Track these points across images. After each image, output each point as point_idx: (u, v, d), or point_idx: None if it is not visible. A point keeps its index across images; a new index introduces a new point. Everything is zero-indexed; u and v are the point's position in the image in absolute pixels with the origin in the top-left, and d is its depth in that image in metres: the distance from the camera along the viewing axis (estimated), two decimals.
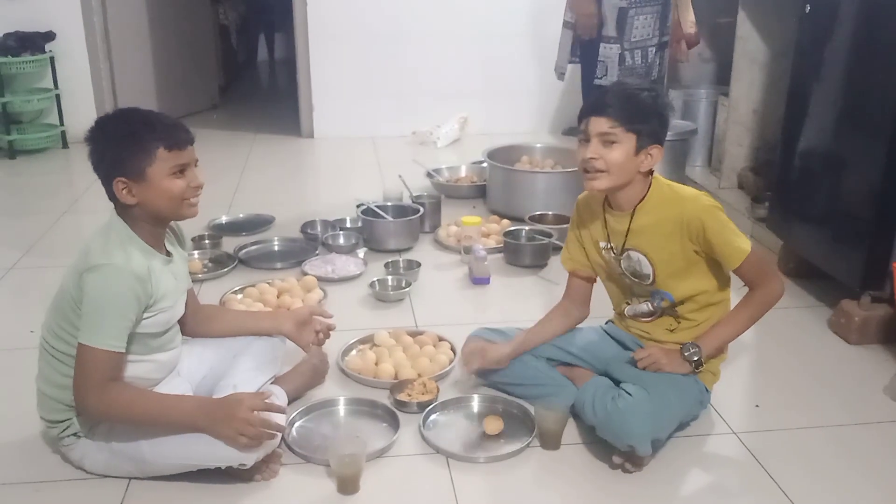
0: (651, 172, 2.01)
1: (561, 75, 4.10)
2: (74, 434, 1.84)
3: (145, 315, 1.78)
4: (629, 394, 1.89)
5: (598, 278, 2.21)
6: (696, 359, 1.99)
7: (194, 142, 1.83)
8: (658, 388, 1.93)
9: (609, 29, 3.61)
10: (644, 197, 2.00)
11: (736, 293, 2.10)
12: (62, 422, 1.84)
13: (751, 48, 3.70)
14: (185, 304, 2.00)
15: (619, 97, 1.94)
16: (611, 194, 2.03)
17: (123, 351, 1.74)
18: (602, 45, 3.66)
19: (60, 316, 1.80)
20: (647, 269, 2.03)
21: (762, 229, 3.30)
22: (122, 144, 1.75)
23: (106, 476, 1.87)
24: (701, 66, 4.60)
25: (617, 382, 2.03)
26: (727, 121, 3.89)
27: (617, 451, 1.89)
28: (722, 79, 4.31)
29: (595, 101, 1.97)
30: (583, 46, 3.80)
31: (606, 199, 2.06)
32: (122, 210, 1.81)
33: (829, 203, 2.75)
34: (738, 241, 1.95)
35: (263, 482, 1.86)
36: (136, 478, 1.87)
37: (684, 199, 1.97)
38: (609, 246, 2.08)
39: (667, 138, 3.81)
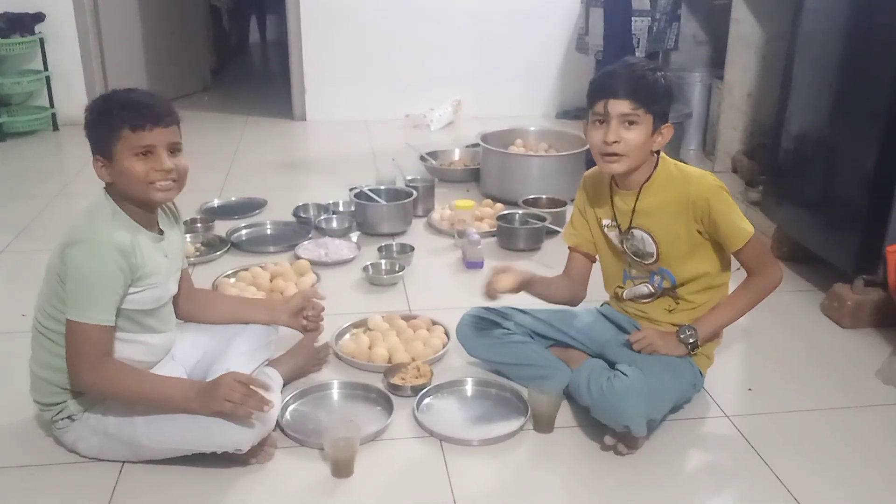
0: (658, 151, 2.01)
1: (598, 53, 4.05)
2: (68, 417, 1.84)
3: (132, 290, 1.76)
4: (625, 374, 1.89)
5: (595, 259, 2.21)
6: (691, 341, 1.99)
7: (172, 125, 1.78)
8: (653, 369, 1.94)
9: (642, 2, 3.61)
10: (650, 176, 2.00)
11: (734, 279, 2.09)
12: (56, 405, 1.84)
13: (746, 31, 3.69)
14: (179, 284, 1.99)
15: (636, 78, 1.91)
16: (618, 175, 2.02)
17: (113, 324, 1.73)
18: (634, 19, 3.66)
19: (50, 294, 1.79)
20: (651, 248, 2.03)
21: (755, 213, 3.30)
22: (96, 122, 1.78)
23: (99, 460, 1.87)
24: (695, 48, 4.58)
25: (612, 365, 2.03)
26: (721, 104, 3.88)
27: (610, 432, 1.90)
28: (717, 62, 4.29)
29: (610, 82, 1.92)
30: (611, 23, 3.76)
31: (613, 178, 2.06)
32: (109, 188, 1.82)
33: (822, 187, 2.76)
34: (742, 223, 1.95)
35: (258, 465, 1.86)
36: (129, 461, 1.86)
37: (690, 178, 1.97)
38: (614, 224, 2.08)
39: None
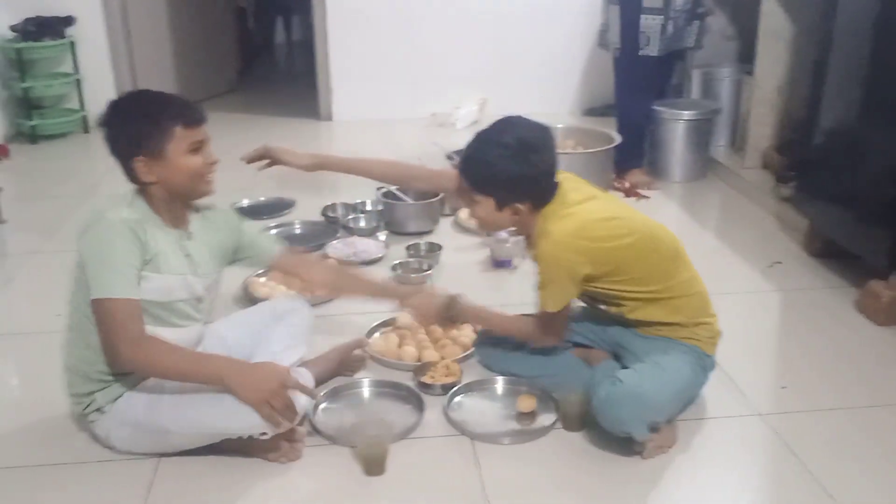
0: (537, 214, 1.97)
1: (616, 50, 4.03)
2: (97, 410, 1.86)
3: (143, 271, 1.78)
4: (620, 381, 1.88)
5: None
6: (451, 313, 2.11)
7: (207, 121, 1.87)
8: (658, 366, 1.92)
9: (655, 0, 3.57)
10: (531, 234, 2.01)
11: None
12: (86, 395, 1.86)
13: (775, 24, 3.64)
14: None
15: (468, 161, 1.95)
16: None
17: (138, 298, 1.75)
18: (643, 16, 3.62)
19: (77, 289, 1.83)
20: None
21: (787, 209, 3.27)
22: (140, 124, 1.79)
23: (135, 458, 1.89)
24: (724, 44, 4.53)
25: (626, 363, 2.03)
26: (751, 100, 3.84)
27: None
28: (746, 56, 4.24)
29: (461, 159, 1.98)
30: (623, 20, 3.74)
31: None
32: (141, 190, 1.85)
33: (856, 182, 2.71)
34: (545, 298, 1.96)
35: (291, 463, 1.86)
36: (160, 453, 1.88)
37: (543, 241, 1.93)
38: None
39: (689, 118, 3.74)
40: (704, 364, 2.04)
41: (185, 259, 1.89)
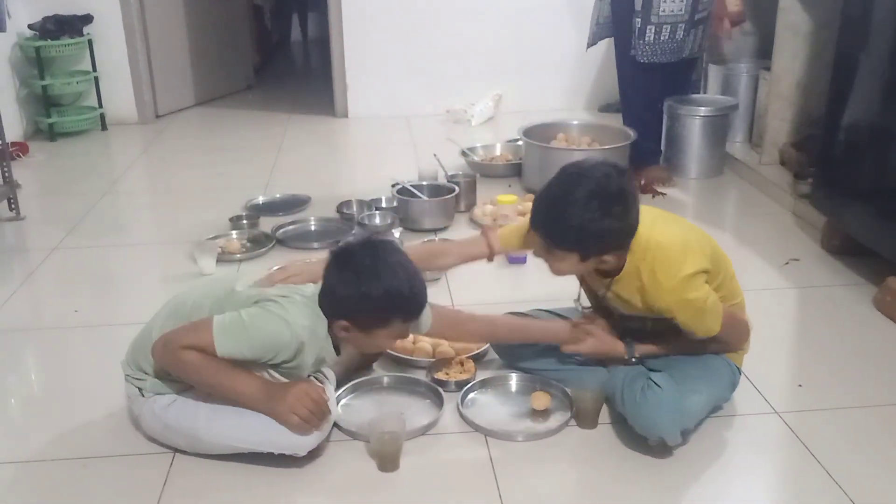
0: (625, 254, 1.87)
1: (590, 39, 4.03)
2: (139, 389, 1.87)
3: (259, 367, 1.79)
4: (658, 384, 1.87)
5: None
6: (634, 357, 2.00)
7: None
8: (687, 375, 1.92)
9: (637, 3, 3.54)
10: (619, 274, 1.90)
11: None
12: (130, 375, 1.89)
13: (793, 19, 3.61)
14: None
15: (546, 217, 1.81)
16: None
17: (219, 356, 1.72)
18: (633, 18, 3.60)
19: (180, 319, 1.82)
20: (622, 311, 2.01)
21: (805, 206, 3.24)
22: (367, 303, 1.72)
23: (151, 453, 1.91)
24: (741, 39, 4.49)
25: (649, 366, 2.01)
26: (769, 95, 3.81)
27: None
28: (763, 52, 4.21)
29: (537, 215, 1.84)
30: (616, 20, 3.73)
31: None
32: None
33: (875, 178, 2.69)
34: (709, 324, 1.87)
35: (306, 458, 1.87)
36: (182, 451, 1.89)
37: (661, 291, 1.83)
38: (589, 287, 2.08)
39: (706, 114, 3.70)
40: (735, 379, 2.04)
41: (314, 363, 1.87)
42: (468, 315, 2.13)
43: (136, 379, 1.88)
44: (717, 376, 1.98)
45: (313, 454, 1.86)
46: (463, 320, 2.12)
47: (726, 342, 1.97)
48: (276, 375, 1.85)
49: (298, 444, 1.79)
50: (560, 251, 1.83)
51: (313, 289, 1.81)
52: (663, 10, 3.50)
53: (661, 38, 3.55)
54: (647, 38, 3.54)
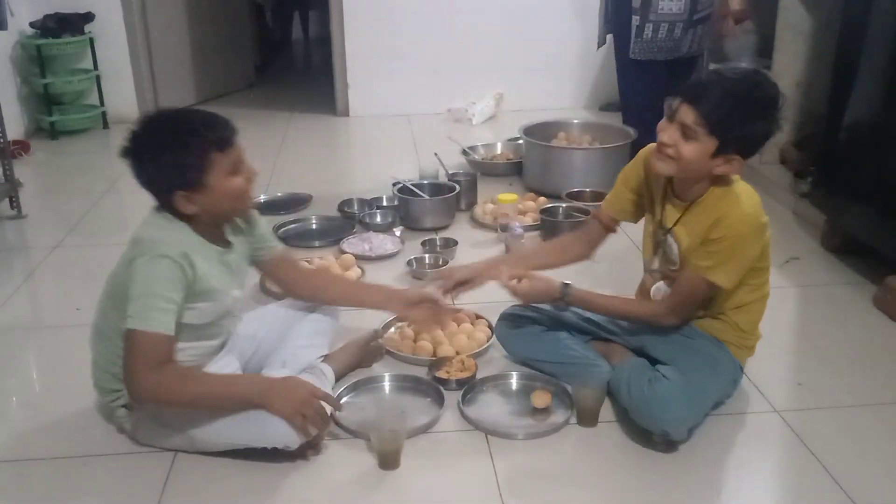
0: (724, 176, 1.89)
1: (599, 46, 4.05)
2: (125, 406, 1.88)
3: (188, 305, 1.75)
4: (665, 377, 1.87)
5: (616, 231, 2.20)
6: (565, 298, 2.02)
7: (238, 131, 1.79)
8: (693, 368, 1.92)
9: (636, 1, 3.55)
10: (701, 198, 1.91)
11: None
12: (114, 391, 1.87)
13: (794, 18, 3.61)
14: (285, 273, 2.08)
15: (721, 96, 1.78)
16: (676, 180, 1.95)
17: (172, 333, 1.71)
18: (632, 16, 3.60)
19: (111, 300, 1.81)
20: (675, 259, 2.00)
21: (805, 205, 3.25)
22: (173, 158, 1.69)
23: (152, 451, 1.91)
24: (742, 38, 4.49)
25: (652, 360, 2.01)
26: None
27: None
28: (764, 51, 4.20)
29: (696, 86, 1.83)
30: (616, 18, 3.73)
31: (671, 180, 1.98)
32: (179, 215, 1.77)
33: (876, 177, 2.69)
34: (718, 271, 1.87)
35: (307, 457, 1.87)
36: (183, 451, 1.90)
37: (731, 211, 1.86)
38: (658, 220, 2.04)
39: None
40: (737, 376, 2.05)
41: (229, 274, 1.87)
42: (332, 277, 2.30)
43: (117, 395, 1.86)
44: (722, 370, 1.99)
45: (311, 449, 1.86)
46: (327, 283, 2.22)
47: (651, 311, 2.01)
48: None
49: (290, 438, 1.78)
50: (703, 133, 1.79)
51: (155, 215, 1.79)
52: (661, 9, 3.50)
53: (659, 35, 3.55)
54: (644, 36, 3.54)
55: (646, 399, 1.86)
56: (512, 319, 2.24)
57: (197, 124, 1.72)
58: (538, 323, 2.20)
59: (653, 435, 1.88)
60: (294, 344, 2.01)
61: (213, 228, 1.83)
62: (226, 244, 1.88)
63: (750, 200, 1.89)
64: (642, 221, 2.14)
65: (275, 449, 1.82)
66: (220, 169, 1.73)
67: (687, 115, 1.80)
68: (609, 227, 2.19)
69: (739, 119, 1.78)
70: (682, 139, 1.82)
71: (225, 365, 1.94)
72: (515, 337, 2.23)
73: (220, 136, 1.73)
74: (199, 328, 1.84)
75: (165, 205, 1.77)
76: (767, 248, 1.95)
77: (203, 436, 1.83)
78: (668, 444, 1.88)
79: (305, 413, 1.75)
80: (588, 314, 2.18)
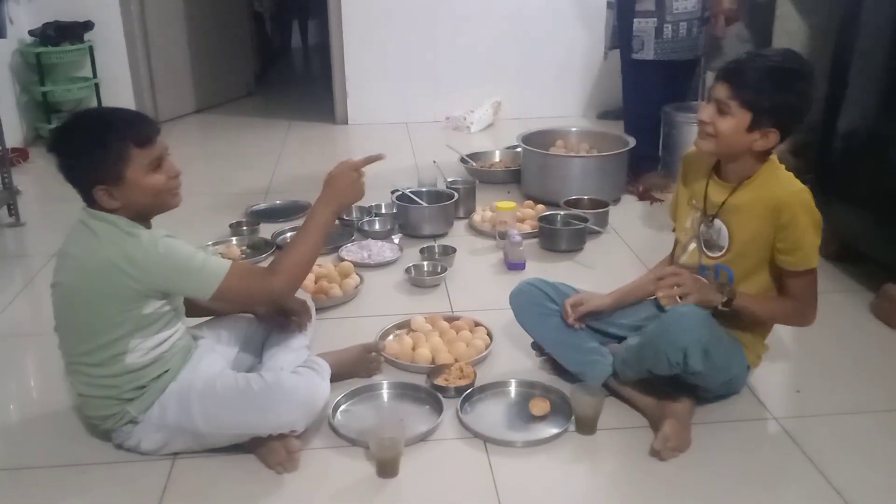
0: (769, 153, 1.96)
1: (606, 53, 4.09)
2: (130, 422, 1.88)
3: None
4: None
5: None
6: (726, 299, 1.93)
7: (160, 131, 1.83)
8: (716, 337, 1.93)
9: (647, 3, 3.57)
10: (752, 175, 1.96)
11: None
12: (114, 415, 1.88)
13: (790, 27, 3.62)
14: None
15: (751, 69, 1.87)
16: (722, 162, 2.00)
17: (229, 262, 1.80)
18: (636, 20, 3.62)
19: (66, 326, 1.83)
20: (724, 243, 2.00)
21: None
22: (92, 153, 1.73)
23: (151, 459, 1.91)
24: (739, 46, 4.50)
25: None
26: None
27: (655, 436, 1.90)
28: None
29: (729, 63, 1.91)
30: (619, 24, 3.76)
31: (717, 165, 2.03)
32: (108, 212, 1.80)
33: (872, 184, 2.70)
34: (813, 254, 1.92)
35: (298, 468, 1.87)
36: (189, 451, 1.90)
37: (788, 187, 1.92)
38: (700, 207, 2.05)
39: None
40: (745, 374, 2.08)
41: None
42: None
43: (115, 414, 1.86)
44: (739, 352, 2.02)
45: (288, 467, 1.86)
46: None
47: (803, 306, 2.01)
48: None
49: (292, 420, 1.81)
50: (736, 106, 1.85)
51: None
52: (676, 9, 3.55)
53: (679, 35, 3.59)
54: (664, 36, 3.57)
55: (663, 322, 1.88)
56: (530, 291, 2.21)
57: (117, 121, 1.78)
58: (554, 302, 2.19)
59: (653, 440, 1.88)
60: (287, 346, 2.10)
61: (140, 223, 1.84)
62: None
63: (795, 181, 1.95)
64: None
65: (281, 435, 1.83)
66: (139, 164, 1.75)
67: (720, 90, 1.88)
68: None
69: (769, 90, 1.85)
70: (718, 115, 1.89)
71: (213, 362, 1.96)
72: (528, 308, 2.21)
73: (138, 133, 1.76)
74: (163, 315, 1.83)
75: (88, 200, 1.82)
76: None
77: (208, 430, 1.84)
78: (686, 382, 1.91)
79: (355, 192, 1.99)
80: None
